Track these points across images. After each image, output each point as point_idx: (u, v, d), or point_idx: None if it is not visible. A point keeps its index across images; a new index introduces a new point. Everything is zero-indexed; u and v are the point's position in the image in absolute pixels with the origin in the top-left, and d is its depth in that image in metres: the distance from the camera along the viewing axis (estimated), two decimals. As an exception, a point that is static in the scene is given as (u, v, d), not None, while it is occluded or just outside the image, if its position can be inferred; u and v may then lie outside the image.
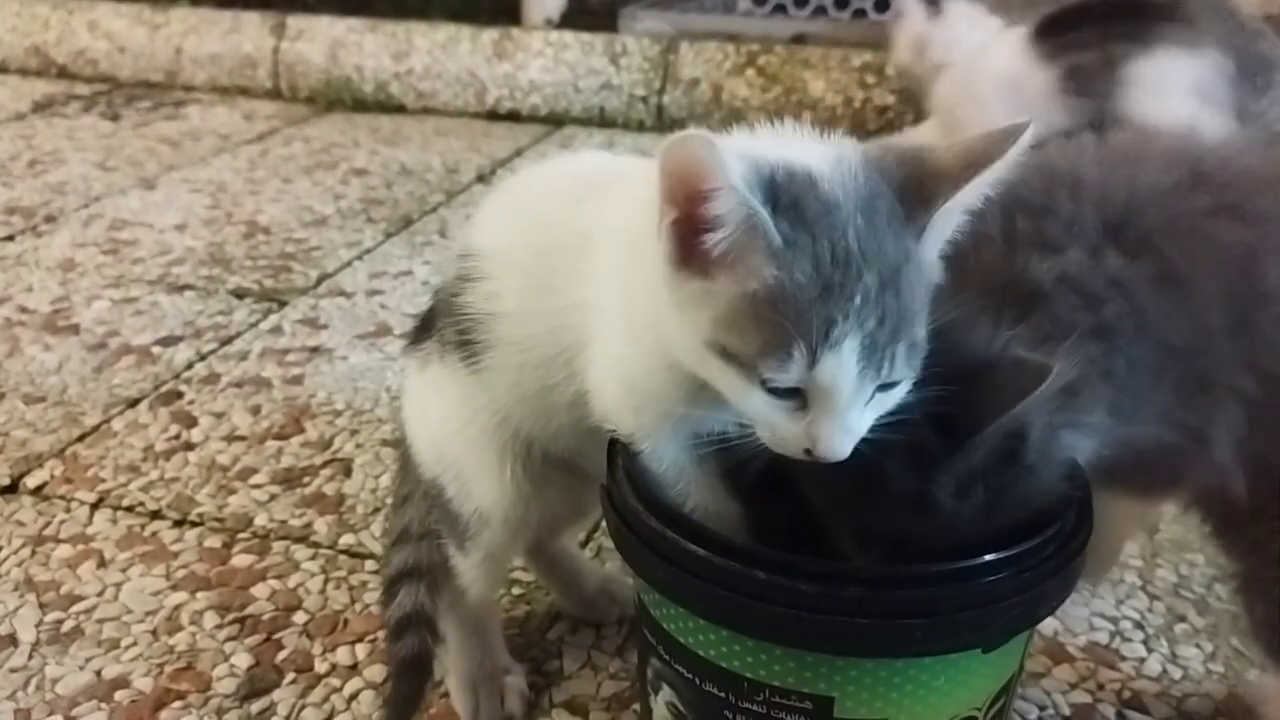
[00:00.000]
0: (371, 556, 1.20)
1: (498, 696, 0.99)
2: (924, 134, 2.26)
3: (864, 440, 0.64)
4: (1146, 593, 1.16)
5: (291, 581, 1.17)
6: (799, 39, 3.02)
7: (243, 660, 1.06)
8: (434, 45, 3.09)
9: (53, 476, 1.35)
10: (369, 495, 1.32)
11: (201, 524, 1.27)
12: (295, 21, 3.21)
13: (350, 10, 3.23)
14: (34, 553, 1.21)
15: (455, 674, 1.00)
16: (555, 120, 2.98)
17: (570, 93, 2.99)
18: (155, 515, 1.28)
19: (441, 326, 0.87)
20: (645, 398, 0.71)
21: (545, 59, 3.01)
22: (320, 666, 1.05)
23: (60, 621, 1.11)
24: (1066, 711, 1.02)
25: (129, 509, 1.29)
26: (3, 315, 1.78)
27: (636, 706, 0.99)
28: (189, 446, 1.42)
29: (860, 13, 3.18)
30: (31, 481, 1.34)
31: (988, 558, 0.68)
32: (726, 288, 0.60)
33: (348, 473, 1.36)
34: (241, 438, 1.44)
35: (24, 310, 1.80)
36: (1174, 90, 1.80)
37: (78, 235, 2.12)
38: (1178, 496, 0.92)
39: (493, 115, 3.02)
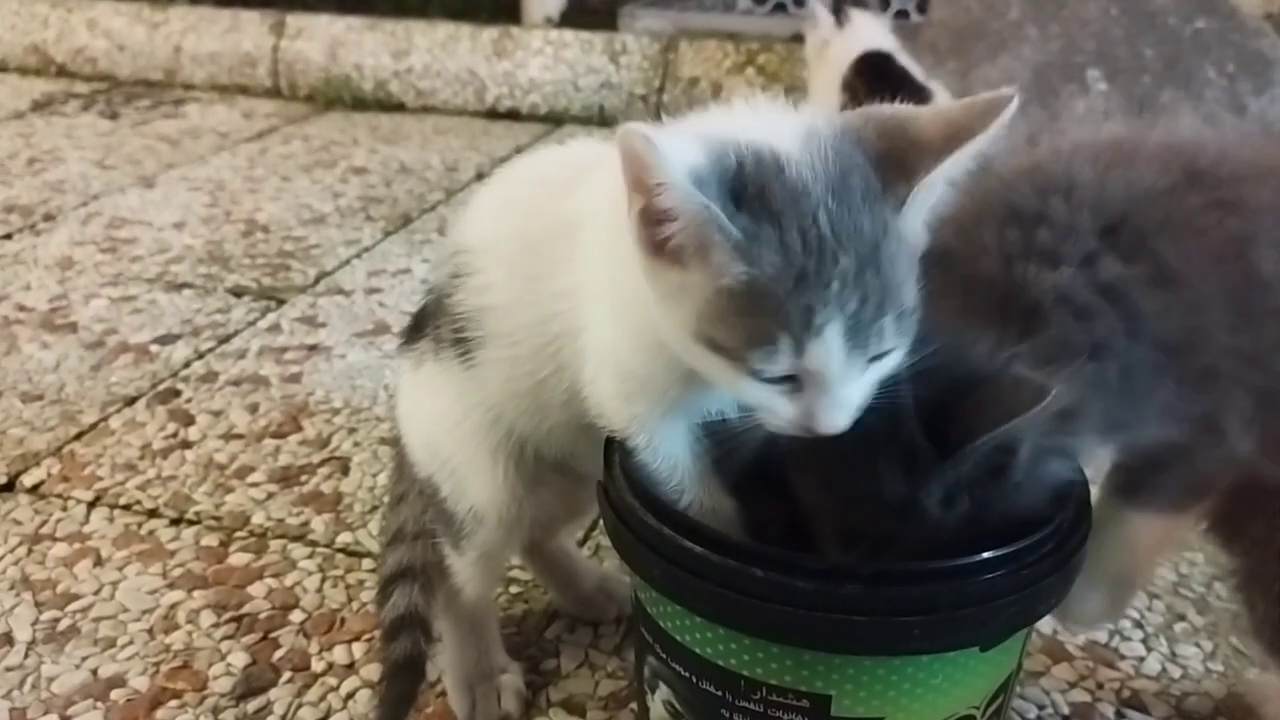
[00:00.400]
0: (369, 555, 1.20)
1: (494, 695, 0.98)
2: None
3: (857, 435, 0.63)
4: (1146, 591, 1.16)
5: (288, 580, 1.17)
6: (799, 38, 3.01)
7: (239, 659, 1.05)
8: (433, 44, 3.09)
9: (50, 475, 1.35)
10: (366, 494, 1.31)
11: (198, 522, 1.26)
12: (295, 20, 3.21)
13: (350, 9, 3.23)
14: (30, 551, 1.21)
15: (451, 673, 0.99)
16: (555, 119, 2.98)
17: (570, 91, 2.99)
18: (152, 514, 1.28)
19: (435, 325, 0.87)
20: (638, 383, 0.70)
21: (545, 57, 3.01)
22: (317, 665, 1.05)
23: (56, 620, 1.11)
24: (1065, 710, 1.01)
25: (126, 507, 1.29)
26: (1, 313, 1.77)
27: (634, 705, 0.98)
28: (186, 445, 1.41)
29: (860, 13, 3.17)
30: (28, 480, 1.34)
31: (986, 555, 0.67)
32: (701, 281, 0.60)
33: (345, 471, 1.36)
34: (239, 436, 1.44)
35: (22, 308, 1.79)
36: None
37: (76, 233, 2.12)
38: (1208, 501, 0.86)
39: (492, 114, 3.02)
